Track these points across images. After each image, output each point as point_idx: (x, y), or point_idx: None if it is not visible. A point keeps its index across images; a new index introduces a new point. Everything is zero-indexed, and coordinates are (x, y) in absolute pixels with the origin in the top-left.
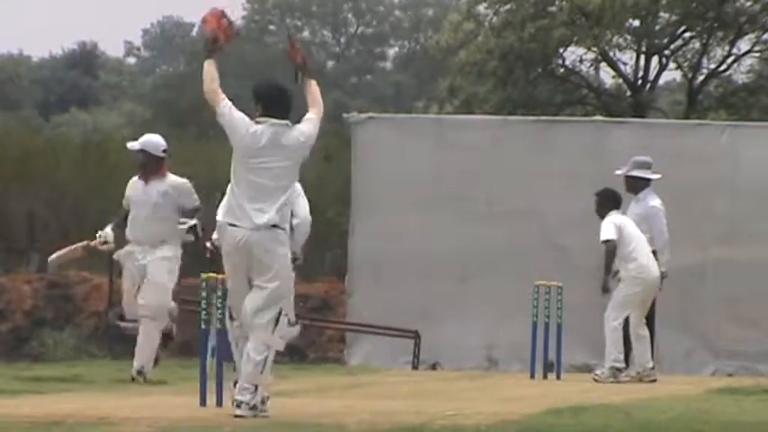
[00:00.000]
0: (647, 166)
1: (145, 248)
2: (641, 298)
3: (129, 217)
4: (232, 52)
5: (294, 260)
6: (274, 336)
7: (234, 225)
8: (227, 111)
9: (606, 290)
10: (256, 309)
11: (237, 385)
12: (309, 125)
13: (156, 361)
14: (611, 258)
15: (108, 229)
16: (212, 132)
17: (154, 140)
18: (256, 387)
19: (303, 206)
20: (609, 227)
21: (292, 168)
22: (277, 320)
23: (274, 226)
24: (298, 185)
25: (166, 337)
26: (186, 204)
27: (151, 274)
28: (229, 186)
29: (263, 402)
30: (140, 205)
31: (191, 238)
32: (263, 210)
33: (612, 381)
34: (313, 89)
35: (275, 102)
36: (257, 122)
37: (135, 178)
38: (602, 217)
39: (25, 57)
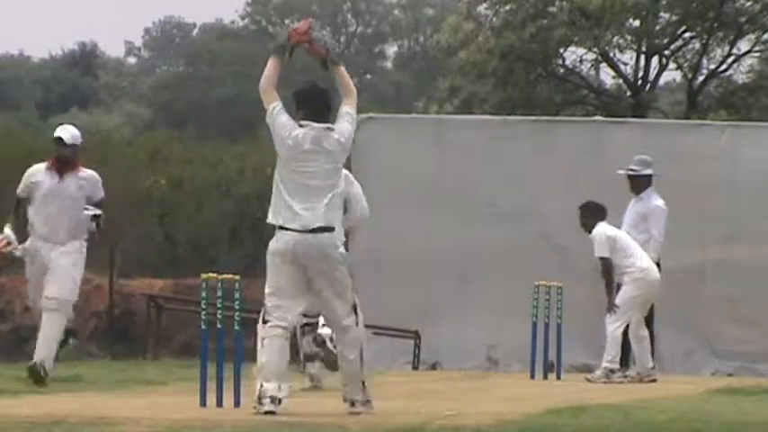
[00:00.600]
0: (647, 164)
1: (50, 244)
2: (642, 301)
3: (36, 210)
4: (230, 53)
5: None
6: (360, 329)
7: (285, 228)
8: (274, 114)
9: (612, 309)
10: (340, 317)
11: (347, 387)
12: (346, 123)
13: (57, 357)
14: (610, 275)
15: (7, 230)
16: (211, 133)
17: (78, 133)
18: (363, 383)
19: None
20: (603, 243)
21: (336, 169)
22: (356, 315)
23: (326, 229)
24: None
25: (69, 332)
26: (94, 196)
27: (56, 266)
28: (275, 188)
29: (369, 402)
30: (54, 199)
31: (93, 227)
32: (313, 208)
33: (605, 381)
34: (343, 76)
35: (316, 106)
36: (300, 125)
37: (40, 168)
38: (589, 230)
39: (25, 57)
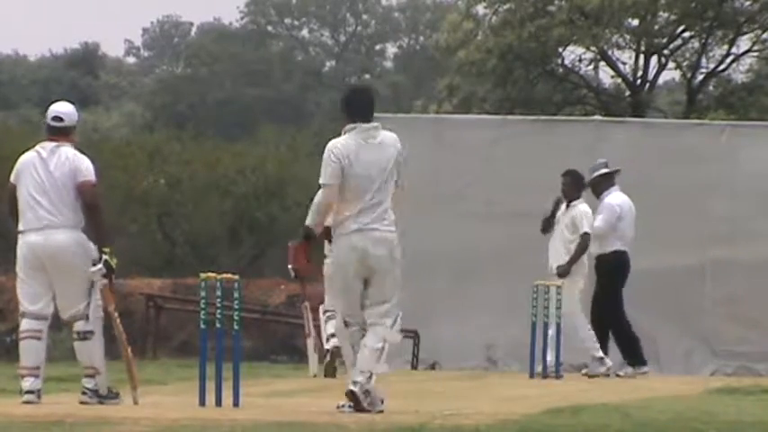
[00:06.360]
0: (603, 165)
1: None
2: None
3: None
4: (229, 54)
5: None
6: (393, 331)
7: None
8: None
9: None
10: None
11: (354, 370)
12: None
13: None
14: (584, 251)
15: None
16: (210, 133)
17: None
18: (371, 374)
19: None
20: (590, 219)
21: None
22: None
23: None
24: None
25: None
26: None
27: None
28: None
29: (381, 402)
30: None
31: None
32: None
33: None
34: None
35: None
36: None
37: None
38: (569, 198)
39: (22, 57)
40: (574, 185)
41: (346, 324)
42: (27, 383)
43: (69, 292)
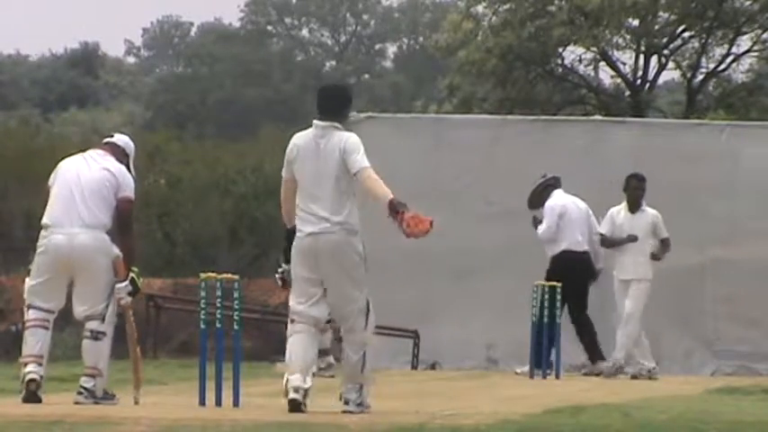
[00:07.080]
0: (540, 177)
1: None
2: None
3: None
4: (229, 55)
5: None
6: (367, 333)
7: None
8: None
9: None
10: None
11: (343, 384)
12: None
13: None
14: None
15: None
16: (210, 133)
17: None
18: (361, 385)
19: None
20: None
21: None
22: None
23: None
24: None
25: None
26: None
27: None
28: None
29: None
30: None
31: None
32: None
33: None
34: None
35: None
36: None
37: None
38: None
39: (22, 57)
40: (644, 189)
41: (292, 320)
42: (30, 368)
43: (90, 292)
